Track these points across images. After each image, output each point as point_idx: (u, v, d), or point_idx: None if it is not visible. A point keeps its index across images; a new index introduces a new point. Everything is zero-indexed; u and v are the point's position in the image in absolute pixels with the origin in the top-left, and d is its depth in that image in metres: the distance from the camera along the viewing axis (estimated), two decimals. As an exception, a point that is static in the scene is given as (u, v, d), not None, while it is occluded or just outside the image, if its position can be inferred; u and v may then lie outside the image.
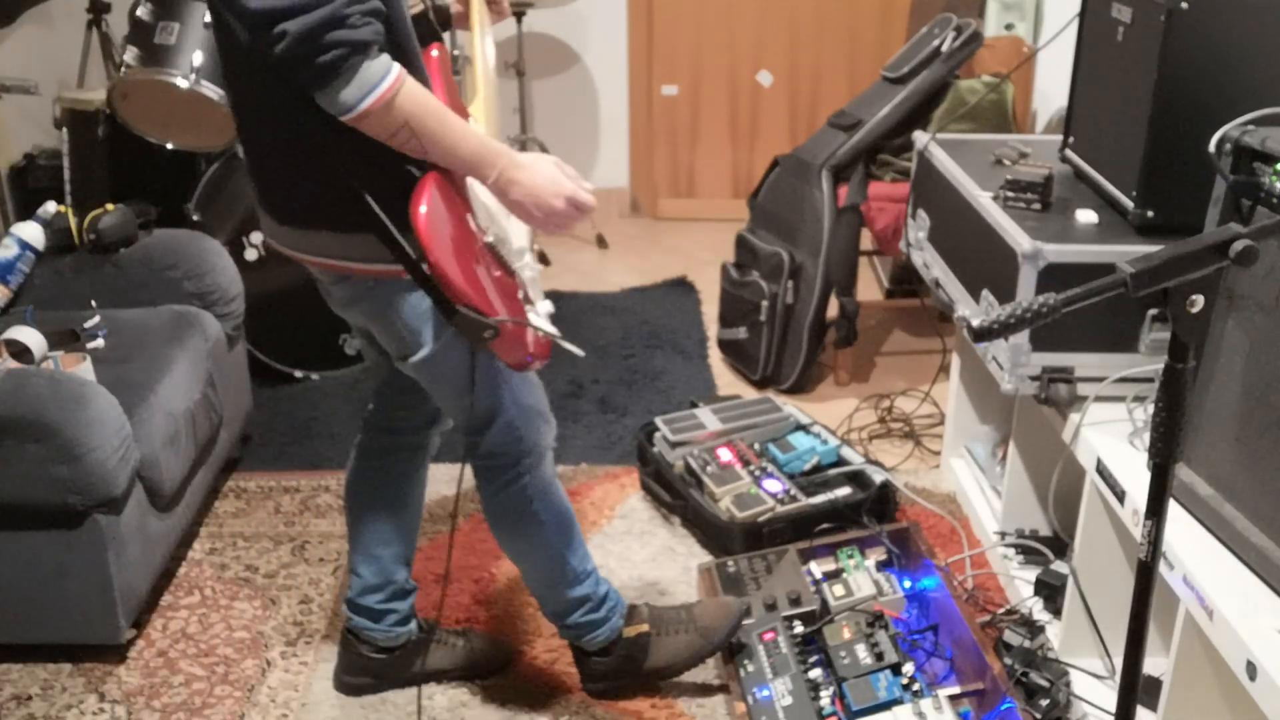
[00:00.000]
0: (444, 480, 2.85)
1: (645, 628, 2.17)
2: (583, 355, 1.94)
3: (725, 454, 2.79)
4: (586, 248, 4.57)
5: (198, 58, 3.12)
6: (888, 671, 2.03)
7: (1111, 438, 2.02)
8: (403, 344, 1.84)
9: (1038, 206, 2.22)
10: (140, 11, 3.16)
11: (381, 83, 1.58)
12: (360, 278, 1.78)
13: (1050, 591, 2.29)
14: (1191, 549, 1.71)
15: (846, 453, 2.83)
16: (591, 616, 2.12)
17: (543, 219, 1.75)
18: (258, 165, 1.79)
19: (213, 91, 3.14)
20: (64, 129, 3.51)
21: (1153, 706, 1.84)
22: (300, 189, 1.74)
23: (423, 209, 1.65)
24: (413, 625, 2.22)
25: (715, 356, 3.62)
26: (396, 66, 1.61)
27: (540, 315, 1.86)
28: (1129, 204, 2.12)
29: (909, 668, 2.05)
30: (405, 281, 1.75)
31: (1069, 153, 2.44)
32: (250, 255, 3.21)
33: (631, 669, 2.17)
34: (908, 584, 2.32)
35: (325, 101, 1.59)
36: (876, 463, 2.84)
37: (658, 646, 2.17)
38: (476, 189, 1.80)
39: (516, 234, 1.87)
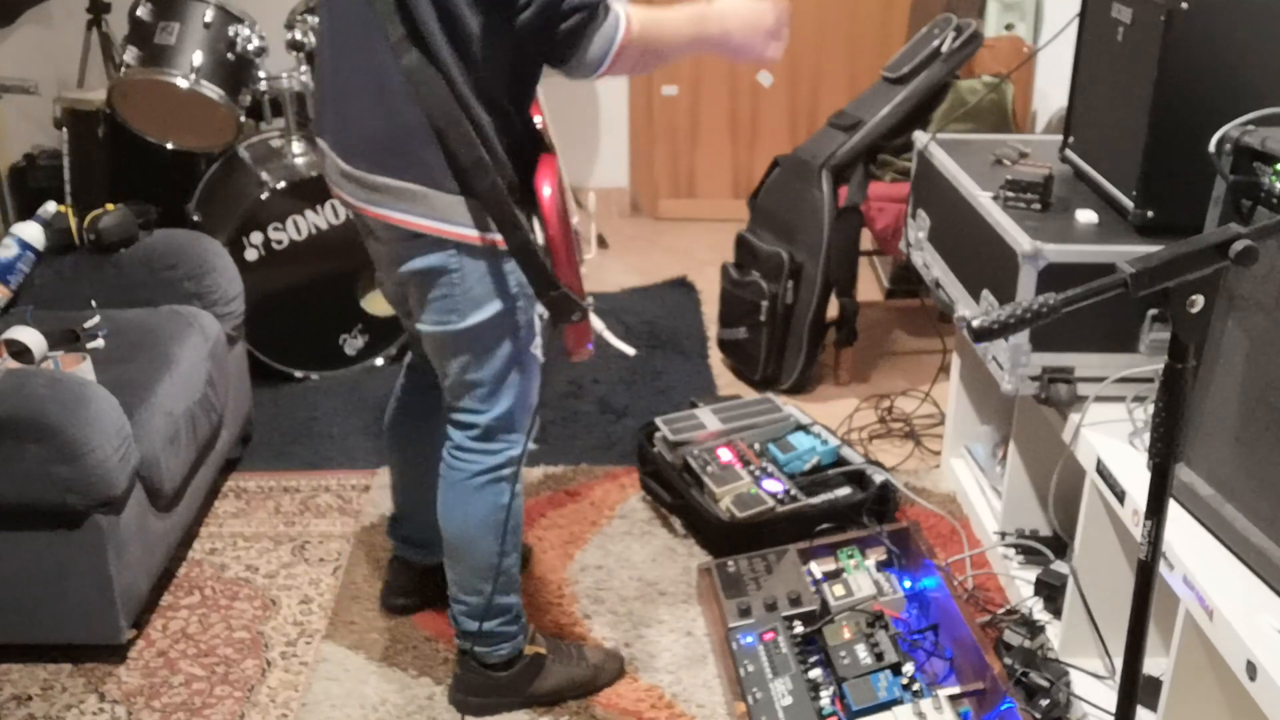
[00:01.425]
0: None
1: (543, 650, 2.17)
2: (633, 354, 2.04)
3: (725, 454, 2.79)
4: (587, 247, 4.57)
5: (198, 58, 3.12)
6: (888, 671, 2.03)
7: (1111, 438, 2.02)
8: (448, 310, 1.85)
9: (1038, 206, 2.22)
10: (140, 11, 3.16)
11: (616, 35, 1.67)
12: (444, 240, 1.79)
13: (1050, 591, 2.29)
14: (1191, 549, 1.71)
15: (846, 453, 2.83)
16: (508, 628, 2.10)
17: (764, 42, 1.83)
18: (372, 116, 1.78)
19: (213, 91, 3.14)
20: (64, 129, 3.51)
21: (1153, 706, 1.84)
22: (413, 141, 1.74)
23: (547, 190, 1.75)
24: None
25: (715, 356, 3.62)
26: (618, 8, 1.68)
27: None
28: (1129, 204, 2.12)
29: (909, 668, 2.05)
30: (489, 249, 1.79)
31: (1069, 153, 2.43)
32: (250, 255, 3.21)
33: (519, 687, 2.14)
34: (908, 584, 2.32)
35: (570, 70, 1.69)
36: (876, 463, 2.83)
37: (550, 670, 2.16)
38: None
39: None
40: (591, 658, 2.22)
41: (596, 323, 1.91)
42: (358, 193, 1.84)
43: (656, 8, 1.74)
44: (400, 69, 1.71)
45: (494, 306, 1.85)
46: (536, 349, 1.95)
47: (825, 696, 2.03)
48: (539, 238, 1.78)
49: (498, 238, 1.76)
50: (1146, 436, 1.56)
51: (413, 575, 2.40)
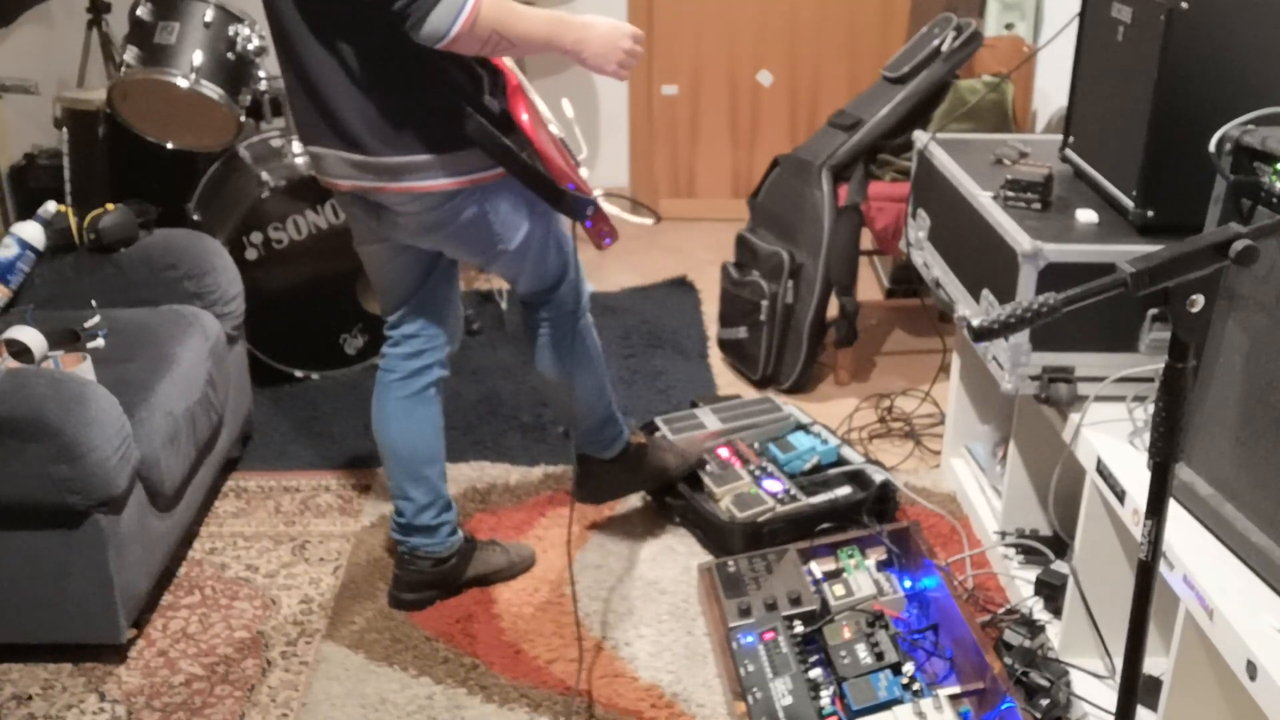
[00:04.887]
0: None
1: (643, 439, 2.66)
2: (655, 223, 2.28)
3: (725, 454, 2.79)
4: (586, 247, 4.56)
5: (198, 57, 3.12)
6: (888, 671, 2.03)
7: (1111, 437, 2.02)
8: (495, 240, 2.15)
9: (1038, 206, 2.22)
10: (140, 11, 3.16)
11: (467, 3, 1.83)
12: (468, 189, 2.05)
13: (1050, 591, 2.29)
14: (1191, 549, 1.71)
15: (846, 452, 2.83)
16: (617, 428, 2.55)
17: (617, 64, 2.05)
18: (366, 107, 1.98)
19: (213, 91, 3.14)
20: (64, 129, 3.51)
21: (1153, 706, 1.84)
22: (413, 118, 1.98)
23: (525, 116, 2.02)
24: (460, 533, 2.45)
25: (715, 356, 3.62)
26: None
27: (601, 202, 2.22)
28: (1129, 204, 2.12)
29: (909, 667, 2.05)
30: (498, 182, 2.07)
31: (1069, 152, 2.44)
32: (250, 255, 3.21)
33: (636, 468, 2.61)
34: (908, 584, 2.32)
35: (420, 36, 1.84)
36: (876, 462, 2.83)
37: (652, 456, 2.64)
38: (527, 92, 2.13)
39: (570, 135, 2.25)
40: (678, 446, 2.72)
41: (611, 209, 2.22)
42: (374, 177, 2.04)
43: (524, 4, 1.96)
44: (359, 53, 1.94)
45: (528, 220, 2.16)
46: (564, 226, 2.28)
47: (825, 696, 2.03)
48: (530, 158, 2.03)
49: (497, 170, 2.04)
50: (1146, 436, 1.56)
51: (421, 570, 2.41)
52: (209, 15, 3.15)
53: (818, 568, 2.39)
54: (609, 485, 2.64)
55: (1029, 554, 2.45)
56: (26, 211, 3.07)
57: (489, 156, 2.02)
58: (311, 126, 2.06)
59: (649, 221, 2.25)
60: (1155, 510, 1.33)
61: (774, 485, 2.67)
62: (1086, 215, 2.18)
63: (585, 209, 2.12)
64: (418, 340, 2.33)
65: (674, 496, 2.73)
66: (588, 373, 2.44)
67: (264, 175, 3.22)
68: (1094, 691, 2.09)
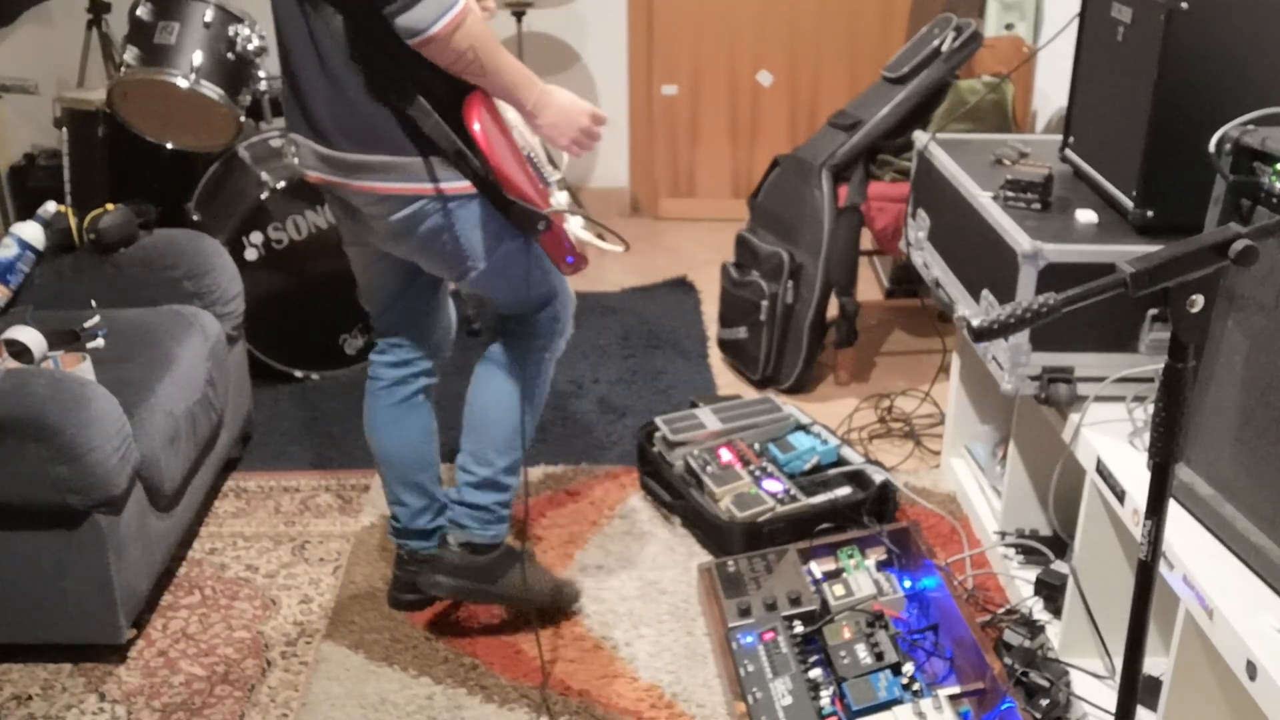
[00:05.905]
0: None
1: (516, 547, 2.36)
2: (623, 250, 2.18)
3: (725, 454, 2.79)
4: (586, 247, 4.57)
5: (198, 57, 3.12)
6: (888, 671, 2.03)
7: (1111, 438, 2.02)
8: (463, 256, 2.07)
9: (1038, 206, 2.22)
10: (140, 11, 3.16)
11: (454, 7, 1.83)
12: (428, 198, 1.99)
13: (1050, 591, 2.29)
14: (1191, 549, 1.71)
15: (846, 452, 2.83)
16: (502, 512, 2.30)
17: (571, 139, 2.04)
18: (334, 100, 1.96)
19: (212, 91, 3.14)
20: (64, 129, 3.51)
21: (1153, 706, 1.84)
22: (377, 117, 1.94)
23: (477, 125, 1.94)
24: None
25: (715, 356, 3.62)
26: None
27: (574, 226, 2.14)
28: (1129, 204, 2.12)
29: (909, 667, 2.05)
30: (466, 195, 2.00)
31: (1069, 153, 2.44)
32: (250, 255, 3.21)
33: (495, 576, 2.29)
34: (908, 584, 2.32)
35: (403, 23, 1.82)
36: (876, 463, 2.83)
37: (520, 573, 2.31)
38: (504, 110, 2.06)
39: (542, 154, 2.16)
40: (557, 577, 2.43)
41: (581, 233, 2.13)
42: (336, 172, 2.02)
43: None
44: (337, 49, 1.92)
45: (502, 241, 2.07)
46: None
47: (825, 696, 2.03)
48: (484, 169, 1.98)
49: (463, 183, 1.98)
50: (1146, 436, 1.56)
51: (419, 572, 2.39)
52: (209, 15, 3.15)
53: (818, 568, 2.39)
54: (463, 579, 2.28)
55: (1029, 554, 2.45)
56: (26, 211, 3.07)
57: (451, 166, 1.97)
58: (292, 114, 2.07)
59: (619, 249, 2.19)
60: (1155, 510, 1.33)
61: (774, 485, 2.67)
62: (1086, 215, 2.18)
63: (537, 225, 2.04)
64: (402, 350, 2.31)
65: (675, 496, 2.73)
66: (518, 414, 2.26)
67: (264, 175, 3.22)
68: (1094, 691, 2.09)
